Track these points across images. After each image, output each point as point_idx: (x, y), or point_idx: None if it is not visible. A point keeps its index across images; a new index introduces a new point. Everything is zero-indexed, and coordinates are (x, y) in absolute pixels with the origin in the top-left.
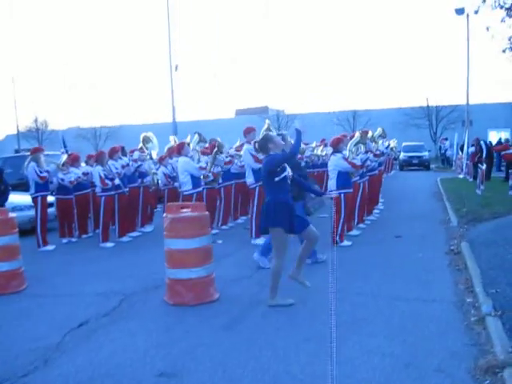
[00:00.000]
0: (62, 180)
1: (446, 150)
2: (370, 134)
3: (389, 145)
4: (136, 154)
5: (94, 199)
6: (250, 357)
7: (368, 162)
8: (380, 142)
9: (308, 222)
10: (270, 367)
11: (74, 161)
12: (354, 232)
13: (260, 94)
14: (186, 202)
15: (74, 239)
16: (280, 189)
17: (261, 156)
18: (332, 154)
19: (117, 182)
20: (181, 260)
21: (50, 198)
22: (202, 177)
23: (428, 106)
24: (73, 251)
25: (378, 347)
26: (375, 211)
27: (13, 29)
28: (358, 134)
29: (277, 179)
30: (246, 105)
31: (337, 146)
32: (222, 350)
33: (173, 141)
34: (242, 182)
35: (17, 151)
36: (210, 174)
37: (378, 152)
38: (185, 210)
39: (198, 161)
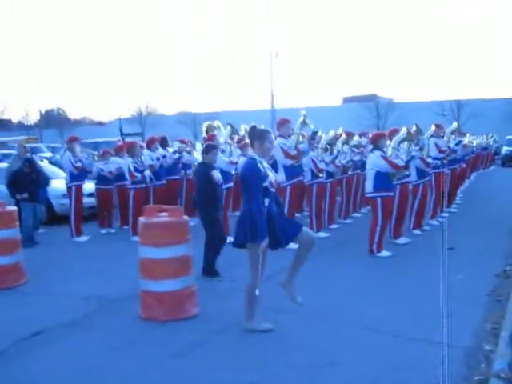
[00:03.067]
0: (102, 170)
1: None
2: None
3: (460, 141)
4: (176, 145)
5: (123, 192)
6: None
7: (418, 162)
8: (452, 137)
9: (300, 224)
10: None
11: (118, 151)
12: (402, 240)
13: (368, 81)
14: (166, 206)
15: (112, 230)
16: (259, 197)
17: (293, 151)
18: (371, 151)
19: (147, 174)
20: (152, 270)
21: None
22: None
23: None
24: (101, 244)
25: None
26: (443, 214)
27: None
28: (404, 130)
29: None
30: (354, 92)
31: (377, 143)
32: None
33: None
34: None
35: (122, 134)
36: None
37: (444, 148)
38: (162, 214)
39: (230, 154)
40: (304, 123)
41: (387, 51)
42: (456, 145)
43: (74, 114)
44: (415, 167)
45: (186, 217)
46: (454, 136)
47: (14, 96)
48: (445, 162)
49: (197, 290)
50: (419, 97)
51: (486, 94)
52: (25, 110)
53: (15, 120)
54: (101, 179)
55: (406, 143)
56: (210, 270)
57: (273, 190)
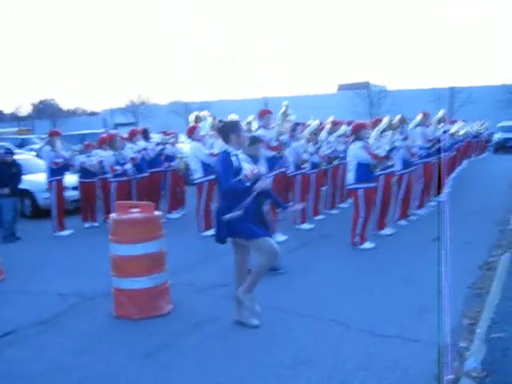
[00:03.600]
0: (83, 163)
1: None
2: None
3: (446, 130)
4: (158, 137)
5: (104, 185)
6: None
7: (403, 152)
8: (439, 126)
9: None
10: None
11: (101, 143)
12: (386, 231)
13: (362, 69)
14: (138, 202)
15: (96, 224)
16: (235, 193)
17: (274, 143)
18: (352, 142)
19: (128, 167)
20: (123, 268)
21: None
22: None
23: None
24: (84, 239)
25: None
26: (431, 203)
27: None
28: (386, 120)
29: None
30: (349, 80)
31: (357, 133)
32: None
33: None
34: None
35: (116, 126)
36: None
37: (431, 137)
38: (134, 210)
39: (211, 146)
40: (285, 114)
41: (381, 38)
42: (443, 133)
43: (66, 104)
44: (400, 157)
45: (157, 212)
46: (442, 124)
47: (7, 87)
48: (431, 150)
49: (170, 286)
50: (413, 84)
51: (480, 80)
52: (17, 101)
53: (8, 111)
54: (84, 172)
55: (390, 133)
56: None
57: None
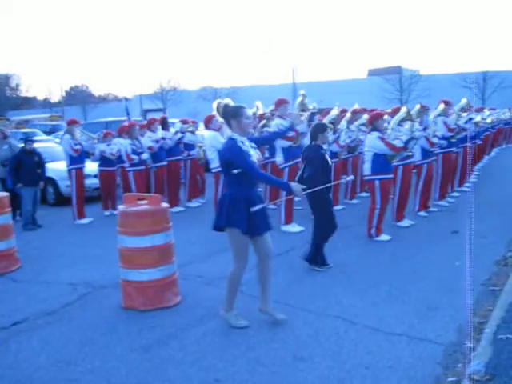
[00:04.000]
0: (104, 152)
1: None
2: (441, 108)
3: (470, 119)
4: (177, 126)
5: (123, 174)
6: None
7: (424, 141)
8: (464, 114)
9: (269, 227)
10: None
11: (120, 132)
12: (404, 223)
13: (394, 53)
14: (146, 194)
15: (115, 212)
16: (240, 182)
17: (290, 133)
18: (369, 132)
19: (145, 156)
20: (131, 260)
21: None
22: None
23: None
24: (102, 227)
25: None
26: (454, 194)
27: None
28: (404, 109)
29: (235, 171)
30: (380, 64)
31: (374, 123)
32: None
33: (258, 107)
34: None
35: (145, 112)
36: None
37: (453, 127)
38: (141, 202)
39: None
40: (303, 103)
41: (413, 21)
42: (465, 123)
43: (98, 90)
44: (420, 147)
45: (165, 204)
46: (466, 113)
47: (39, 74)
48: (453, 140)
49: (178, 278)
50: (446, 68)
51: None
52: (48, 87)
53: (40, 97)
54: (103, 161)
55: (408, 123)
56: (316, 258)
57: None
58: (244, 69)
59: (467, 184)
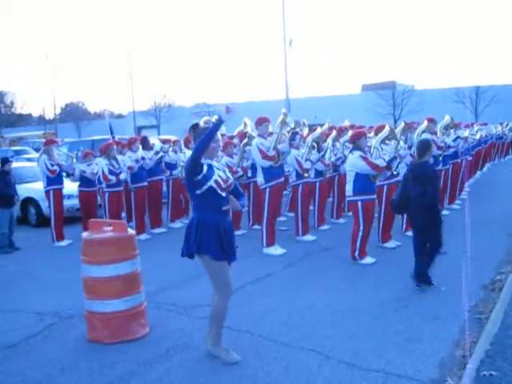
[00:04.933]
0: (84, 172)
1: None
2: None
3: (458, 136)
4: (158, 145)
5: (103, 195)
6: None
7: (410, 160)
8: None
9: (235, 257)
10: None
11: (102, 152)
12: (390, 244)
13: (388, 68)
14: (111, 220)
15: None
16: (206, 205)
17: (271, 152)
18: (350, 151)
19: (122, 177)
20: (94, 290)
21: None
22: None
23: None
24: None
25: None
26: (444, 212)
27: None
28: (387, 128)
29: (198, 192)
30: (374, 80)
31: (356, 142)
32: None
33: (247, 123)
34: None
35: (139, 129)
36: (240, 169)
37: (442, 144)
38: (107, 229)
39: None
40: (284, 123)
41: (406, 37)
42: (454, 140)
43: (94, 107)
44: (405, 165)
45: (131, 231)
46: (452, 129)
47: (34, 90)
48: (440, 159)
49: (146, 308)
50: (440, 83)
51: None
52: (42, 104)
53: (35, 114)
54: (84, 181)
55: (393, 141)
56: (421, 278)
57: (223, 194)
58: (238, 85)
59: (457, 201)
